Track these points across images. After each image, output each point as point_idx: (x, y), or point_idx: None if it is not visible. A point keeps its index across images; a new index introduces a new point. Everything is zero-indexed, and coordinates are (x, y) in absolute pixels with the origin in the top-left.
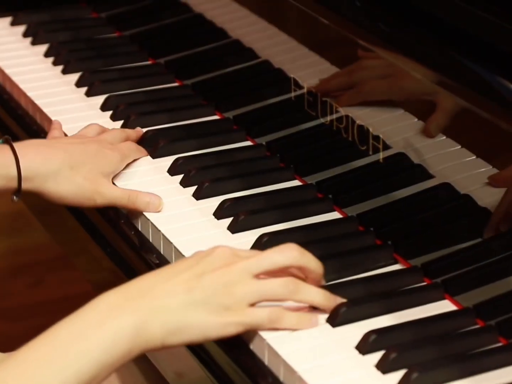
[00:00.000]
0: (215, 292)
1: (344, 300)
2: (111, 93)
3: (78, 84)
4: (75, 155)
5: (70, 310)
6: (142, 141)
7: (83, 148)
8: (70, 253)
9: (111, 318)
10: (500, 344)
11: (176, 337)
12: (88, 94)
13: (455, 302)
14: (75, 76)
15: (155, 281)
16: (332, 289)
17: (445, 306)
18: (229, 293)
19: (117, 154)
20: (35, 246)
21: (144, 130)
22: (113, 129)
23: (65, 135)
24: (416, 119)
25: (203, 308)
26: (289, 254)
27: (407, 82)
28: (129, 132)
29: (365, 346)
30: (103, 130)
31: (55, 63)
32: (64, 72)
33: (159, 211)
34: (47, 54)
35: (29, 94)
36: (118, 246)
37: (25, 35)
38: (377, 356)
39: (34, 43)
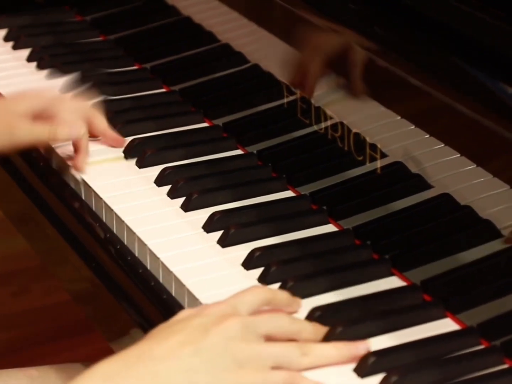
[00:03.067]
0: (226, 348)
1: (359, 342)
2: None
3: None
4: None
5: (56, 319)
6: (128, 151)
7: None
8: (49, 262)
9: None
10: (506, 366)
11: None
12: None
13: (457, 321)
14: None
15: (153, 343)
16: (326, 308)
17: (447, 325)
18: (242, 348)
19: (43, 94)
20: (19, 255)
21: (130, 138)
22: None
23: None
24: (413, 126)
25: (214, 367)
26: (284, 321)
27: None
28: None
29: (364, 368)
30: None
31: (38, 68)
32: (48, 77)
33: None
34: (29, 59)
35: None
36: (100, 258)
37: (6, 39)
38: (377, 379)
39: (15, 47)
